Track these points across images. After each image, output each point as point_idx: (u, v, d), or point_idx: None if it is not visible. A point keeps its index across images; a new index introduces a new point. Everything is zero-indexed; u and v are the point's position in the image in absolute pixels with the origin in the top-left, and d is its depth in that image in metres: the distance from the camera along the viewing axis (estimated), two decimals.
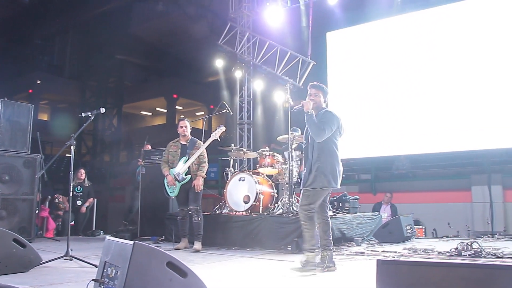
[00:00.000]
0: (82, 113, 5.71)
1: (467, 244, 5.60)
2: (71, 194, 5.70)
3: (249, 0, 12.08)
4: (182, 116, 7.84)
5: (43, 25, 23.39)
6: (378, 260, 2.49)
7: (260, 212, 7.07)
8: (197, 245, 6.44)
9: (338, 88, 11.20)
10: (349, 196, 8.34)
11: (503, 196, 10.58)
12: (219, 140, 6.89)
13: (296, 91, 10.44)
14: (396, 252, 5.91)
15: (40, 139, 8.56)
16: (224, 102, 8.31)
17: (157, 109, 29.62)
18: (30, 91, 24.96)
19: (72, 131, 5.70)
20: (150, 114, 30.96)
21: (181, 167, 6.62)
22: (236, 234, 6.84)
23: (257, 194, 7.05)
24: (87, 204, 9.92)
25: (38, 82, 24.83)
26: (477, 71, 9.45)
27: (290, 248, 6.20)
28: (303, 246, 4.77)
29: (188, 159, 6.63)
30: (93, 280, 3.03)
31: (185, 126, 6.88)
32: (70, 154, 5.45)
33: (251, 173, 7.40)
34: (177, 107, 28.38)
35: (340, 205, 8.30)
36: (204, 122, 8.40)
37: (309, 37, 10.99)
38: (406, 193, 11.22)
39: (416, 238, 8.24)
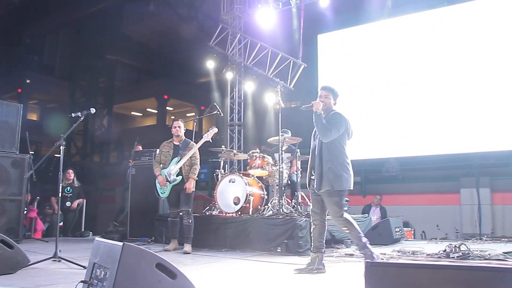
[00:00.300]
0: (72, 113, 5.65)
1: (455, 246, 5.65)
2: (60, 195, 5.65)
3: (241, 1, 12.09)
4: (172, 117, 7.82)
5: (33, 24, 23.26)
6: (366, 262, 2.51)
7: (250, 213, 7.07)
8: (187, 247, 6.41)
9: None
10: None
11: (491, 198, 10.68)
12: (211, 141, 6.87)
13: (287, 93, 10.49)
14: (385, 254, 5.94)
15: (29, 139, 8.50)
16: (215, 104, 8.31)
17: (148, 109, 29.54)
18: (19, 90, 24.78)
19: (61, 131, 5.63)
20: (141, 114, 30.87)
21: (172, 168, 6.59)
22: (226, 235, 6.83)
23: (247, 195, 7.05)
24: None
25: (28, 81, 24.67)
26: (466, 76, 9.55)
27: (280, 250, 6.21)
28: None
29: (179, 160, 6.60)
30: (81, 281, 3.01)
31: (179, 127, 6.83)
32: (59, 154, 5.41)
33: (241, 174, 7.39)
34: (167, 108, 28.33)
35: None
36: (195, 123, 8.39)
37: (300, 39, 11.01)
38: (396, 196, 11.30)
39: (405, 240, 8.29)
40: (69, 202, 9.66)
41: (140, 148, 9.33)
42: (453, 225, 10.73)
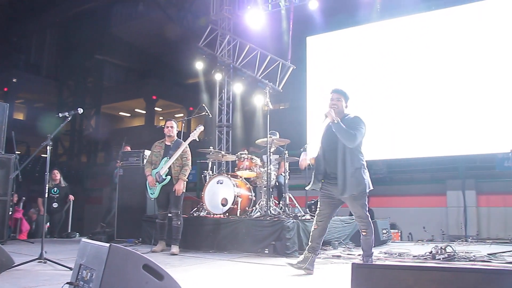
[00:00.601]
0: (59, 113, 5.60)
1: (441, 248, 5.71)
2: (46, 195, 5.60)
3: (230, 3, 12.10)
4: (161, 118, 7.79)
5: (20, 22, 23.00)
6: (353, 264, 2.52)
7: (238, 215, 7.07)
8: (175, 248, 6.39)
9: (317, 92, 11.29)
10: None
11: (476, 201, 10.80)
12: (197, 140, 6.84)
13: (275, 95, 10.51)
14: None
15: (15, 139, 8.41)
16: (204, 105, 8.29)
17: (136, 110, 29.39)
18: (6, 89, 24.47)
19: (48, 131, 5.58)
20: (129, 115, 30.71)
21: (162, 168, 6.56)
22: (213, 237, 6.82)
23: (235, 197, 7.05)
24: (71, 198, 9.77)
25: (14, 80, 24.38)
26: (453, 79, 9.64)
27: (267, 251, 6.21)
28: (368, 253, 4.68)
29: (168, 159, 6.57)
30: (67, 283, 2.99)
31: (171, 127, 6.76)
32: (46, 154, 5.36)
33: (229, 176, 7.39)
34: (156, 108, 28.21)
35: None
36: (183, 124, 8.37)
37: (289, 41, 11.06)
38: (383, 198, 11.36)
39: (392, 242, 8.35)
40: (55, 203, 9.57)
41: (128, 148, 9.29)
42: (439, 227, 10.83)
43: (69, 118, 5.58)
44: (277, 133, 8.27)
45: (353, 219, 8.16)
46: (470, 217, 10.71)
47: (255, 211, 7.23)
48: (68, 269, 4.53)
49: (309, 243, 4.68)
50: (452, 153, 9.87)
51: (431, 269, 2.39)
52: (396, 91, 10.16)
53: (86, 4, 20.78)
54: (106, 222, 9.57)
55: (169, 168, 6.53)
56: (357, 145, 4.57)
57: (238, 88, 12.19)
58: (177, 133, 6.92)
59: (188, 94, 22.94)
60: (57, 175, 9.80)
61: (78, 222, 12.52)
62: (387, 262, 5.52)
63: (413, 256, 5.87)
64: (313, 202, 8.54)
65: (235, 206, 7.08)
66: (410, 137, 9.88)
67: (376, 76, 10.38)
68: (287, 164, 7.73)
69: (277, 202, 7.68)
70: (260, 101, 11.89)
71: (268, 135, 7.08)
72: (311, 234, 4.70)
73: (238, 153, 7.93)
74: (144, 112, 28.23)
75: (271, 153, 7.36)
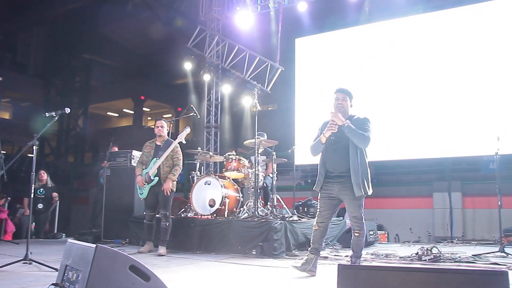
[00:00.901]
0: (46, 113, 5.55)
1: (427, 249, 5.76)
2: (32, 196, 5.55)
3: (219, 4, 12.09)
4: (149, 118, 7.75)
5: (6, 21, 22.75)
6: (339, 265, 2.53)
7: (226, 216, 7.06)
8: (162, 249, 6.36)
9: (305, 94, 11.34)
10: (314, 201, 8.44)
11: (462, 202, 10.91)
12: (184, 142, 6.81)
13: (263, 96, 10.53)
14: None
15: (0, 138, 8.31)
16: (192, 105, 8.27)
17: (124, 110, 29.27)
18: None
19: (35, 130, 5.54)
20: (117, 115, 30.57)
21: (150, 168, 6.53)
22: (201, 238, 6.81)
23: (222, 198, 7.04)
24: (54, 195, 9.68)
25: (0, 79, 24.12)
26: (440, 82, 9.72)
27: (254, 252, 6.21)
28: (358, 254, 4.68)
29: (157, 160, 6.53)
30: (53, 284, 2.97)
31: (161, 126, 6.69)
32: (33, 154, 5.32)
33: (217, 176, 7.38)
34: (144, 108, 28.13)
35: (305, 210, 8.40)
36: (171, 125, 8.35)
37: (278, 43, 11.09)
38: (370, 199, 11.36)
39: (379, 243, 8.41)
40: (40, 204, 9.47)
41: (116, 149, 9.24)
42: (425, 228, 10.93)
43: (56, 118, 5.53)
44: (265, 134, 8.29)
45: (340, 220, 8.22)
46: (456, 218, 10.83)
47: (242, 212, 7.23)
48: (54, 270, 4.50)
49: (311, 245, 4.65)
50: (438, 155, 9.95)
51: (416, 270, 2.41)
52: (383, 94, 10.22)
53: (74, 2, 20.62)
54: (94, 223, 9.50)
55: (158, 168, 6.50)
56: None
57: (226, 89, 12.19)
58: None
59: (177, 95, 22.90)
60: (44, 175, 9.71)
61: (64, 222, 12.44)
62: (373, 263, 5.55)
63: (400, 257, 5.91)
64: (300, 203, 8.58)
65: (223, 207, 7.08)
66: (397, 139, 9.95)
67: (364, 79, 10.43)
68: (275, 165, 7.75)
69: (264, 203, 7.69)
70: (248, 102, 11.91)
71: (256, 136, 7.09)
72: (312, 235, 4.68)
73: (226, 154, 7.93)
74: (132, 112, 28.13)
75: (259, 154, 7.37)
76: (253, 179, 7.19)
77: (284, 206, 8.09)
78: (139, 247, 6.76)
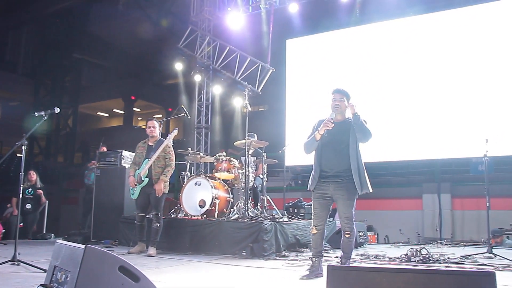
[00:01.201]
0: (36, 112, 5.51)
1: (416, 250, 5.79)
2: (20, 196, 5.50)
3: (211, 4, 12.08)
4: (139, 119, 7.72)
5: None
6: (328, 266, 2.54)
7: (216, 216, 7.05)
8: (152, 250, 6.34)
9: (296, 95, 11.36)
10: (304, 202, 8.46)
11: (451, 204, 10.98)
12: (172, 144, 6.76)
13: (254, 97, 10.54)
14: None
15: None
16: (182, 106, 8.25)
17: (114, 110, 29.12)
18: None
19: (24, 130, 5.50)
20: (107, 115, 30.41)
21: (142, 169, 6.49)
22: (191, 238, 6.79)
23: (213, 198, 7.03)
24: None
25: None
26: (429, 84, 9.78)
27: (244, 253, 6.21)
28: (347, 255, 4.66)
29: (149, 161, 6.50)
30: (41, 285, 2.95)
31: (153, 127, 6.64)
32: (21, 154, 5.27)
33: (207, 177, 7.37)
34: (134, 109, 28.00)
35: (295, 210, 8.41)
36: (162, 125, 8.32)
37: (269, 44, 11.09)
38: (360, 200, 11.41)
39: (368, 244, 8.43)
40: (29, 204, 9.38)
41: (105, 149, 9.17)
42: (415, 229, 10.98)
43: (46, 118, 5.49)
44: (255, 135, 8.28)
45: (330, 222, 8.23)
46: (445, 220, 10.90)
47: (233, 213, 7.23)
48: (42, 271, 4.46)
49: (313, 249, 4.65)
50: (428, 157, 10.01)
51: (405, 271, 2.43)
52: (374, 96, 10.26)
53: (65, 1, 20.50)
54: (84, 224, 9.43)
55: (150, 169, 6.47)
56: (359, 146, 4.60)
57: (217, 89, 12.18)
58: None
59: (167, 95, 22.83)
60: (33, 175, 9.63)
61: (53, 223, 12.32)
62: (363, 264, 5.57)
63: (389, 258, 5.94)
64: (290, 204, 8.59)
65: (213, 207, 7.07)
66: (387, 141, 9.98)
67: (354, 80, 10.46)
68: (265, 166, 7.75)
69: (254, 204, 7.69)
70: (239, 103, 11.90)
71: (246, 137, 7.09)
72: (312, 239, 4.65)
73: (217, 154, 7.92)
74: (123, 112, 27.99)
75: (249, 155, 7.37)
76: (243, 180, 7.19)
77: (274, 207, 8.09)
78: (129, 248, 6.74)
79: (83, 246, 2.70)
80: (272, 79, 11.23)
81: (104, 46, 23.91)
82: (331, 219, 8.84)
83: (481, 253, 6.18)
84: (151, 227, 6.50)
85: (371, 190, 4.54)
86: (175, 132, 6.77)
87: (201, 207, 7.09)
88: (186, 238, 6.85)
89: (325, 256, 6.21)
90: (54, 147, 23.12)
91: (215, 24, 12.32)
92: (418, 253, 5.73)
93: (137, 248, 6.58)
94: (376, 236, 9.93)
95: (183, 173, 8.14)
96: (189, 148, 8.29)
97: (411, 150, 9.87)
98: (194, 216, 7.19)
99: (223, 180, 7.67)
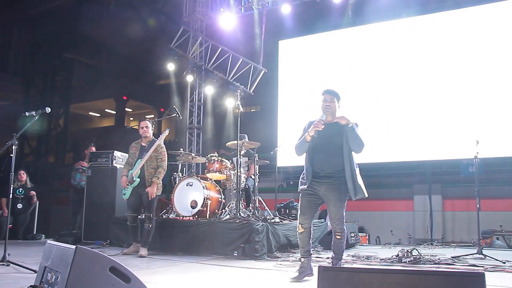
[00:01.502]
0: (26, 112, 5.47)
1: (407, 251, 5.81)
2: (11, 196, 5.46)
3: (203, 5, 12.07)
4: (131, 119, 7.69)
5: None
6: (319, 267, 2.55)
7: (207, 217, 7.04)
8: (143, 251, 6.31)
9: (288, 96, 11.37)
10: (296, 203, 8.46)
11: (442, 205, 11.05)
12: (162, 147, 6.70)
13: (246, 98, 10.54)
14: None
15: None
16: (174, 106, 8.23)
17: (106, 110, 29.01)
18: None
19: (14, 130, 5.47)
20: (99, 115, 30.29)
21: (135, 169, 6.46)
22: (182, 239, 6.78)
23: (204, 199, 7.02)
24: (32, 193, 9.55)
25: None
26: (420, 86, 9.83)
27: (236, 254, 6.21)
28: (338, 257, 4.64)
29: (141, 161, 6.47)
30: (31, 286, 2.93)
31: (146, 127, 6.60)
32: (12, 154, 5.24)
33: (199, 178, 7.36)
34: (126, 109, 27.92)
35: (287, 211, 8.42)
36: (153, 125, 8.29)
37: (262, 45, 11.10)
38: (351, 201, 11.49)
39: (360, 245, 8.45)
40: (20, 204, 9.34)
41: (94, 149, 9.11)
42: (406, 230, 11.04)
43: (36, 117, 5.46)
44: (246, 135, 8.28)
45: (322, 222, 8.25)
46: (436, 221, 10.96)
47: (224, 213, 7.23)
48: (33, 272, 4.43)
49: (301, 249, 4.57)
50: (419, 158, 10.06)
51: (396, 272, 2.44)
52: (365, 97, 10.30)
53: (56, 1, 20.39)
54: (76, 226, 9.36)
55: (142, 169, 6.44)
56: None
57: (209, 90, 12.17)
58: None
59: (159, 95, 22.81)
60: (24, 176, 9.59)
61: (44, 223, 12.25)
62: (354, 265, 5.58)
63: (380, 259, 5.96)
64: (282, 205, 8.60)
65: (205, 208, 7.06)
66: (379, 142, 10.01)
67: (346, 82, 10.49)
68: (257, 167, 7.75)
69: (245, 204, 7.68)
70: (231, 103, 11.90)
71: (238, 138, 7.09)
72: (299, 238, 4.57)
73: (208, 155, 7.92)
74: (114, 112, 27.89)
75: (241, 156, 7.36)
76: (235, 181, 7.19)
77: (266, 207, 8.10)
78: (120, 249, 6.71)
79: (73, 246, 2.68)
80: (265, 80, 11.24)
81: (95, 45, 23.81)
82: (322, 220, 8.87)
83: (471, 254, 6.21)
84: (143, 228, 6.47)
85: (366, 195, 4.51)
86: (167, 132, 6.74)
87: (193, 207, 7.08)
88: (177, 239, 6.84)
89: (316, 257, 6.25)
90: (45, 147, 22.96)
91: (207, 25, 12.31)
92: (409, 254, 5.75)
93: (131, 249, 6.54)
94: (367, 237, 9.97)
95: (175, 173, 8.12)
96: (181, 149, 8.27)
97: (402, 152, 9.92)
98: (185, 216, 7.17)
99: (215, 180, 7.67)
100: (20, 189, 9.40)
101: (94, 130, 27.28)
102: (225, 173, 7.61)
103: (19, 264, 4.86)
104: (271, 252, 6.37)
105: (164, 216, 7.78)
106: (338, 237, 4.52)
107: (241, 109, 7.02)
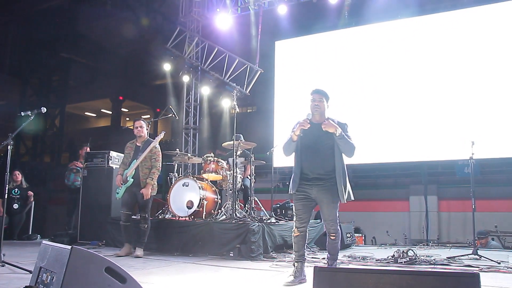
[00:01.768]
0: (22, 112, 5.44)
1: (403, 251, 5.83)
2: (6, 197, 5.44)
3: (200, 5, 12.05)
4: (127, 119, 7.67)
5: None
6: (315, 267, 2.55)
7: (203, 218, 7.04)
8: (139, 251, 6.30)
9: (284, 97, 11.38)
10: (292, 204, 8.43)
11: (438, 206, 11.07)
12: (157, 146, 6.68)
13: (243, 98, 10.53)
14: None
15: None
16: (170, 106, 8.23)
17: (102, 110, 28.94)
18: None
19: (10, 130, 5.46)
20: (95, 115, 30.21)
21: (129, 169, 6.44)
22: (178, 239, 6.78)
23: (200, 199, 7.02)
24: (30, 194, 9.53)
25: None
26: (417, 87, 9.85)
27: (232, 254, 6.21)
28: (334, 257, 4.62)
29: (136, 161, 6.44)
30: (26, 286, 2.92)
31: (141, 127, 6.56)
32: (7, 154, 5.22)
33: (195, 178, 7.36)
34: (122, 109, 27.85)
35: (283, 212, 8.42)
36: (149, 126, 8.28)
37: (258, 45, 11.10)
38: (348, 202, 11.49)
39: (356, 246, 8.47)
40: (16, 204, 9.32)
41: (88, 149, 9.08)
42: (402, 231, 11.06)
43: (32, 117, 5.43)
44: (241, 136, 8.27)
45: (318, 223, 8.25)
46: (432, 221, 10.99)
47: (220, 214, 7.23)
48: (28, 272, 4.42)
49: (295, 253, 4.52)
50: (415, 159, 10.08)
51: (391, 273, 2.45)
52: (362, 97, 10.32)
53: (52, 0, 20.35)
54: (71, 227, 9.34)
55: (137, 170, 6.42)
56: None
57: (205, 90, 12.15)
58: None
59: (155, 95, 22.74)
60: (19, 176, 9.56)
61: (39, 223, 12.20)
62: (350, 266, 5.59)
63: (376, 260, 5.97)
64: (278, 205, 8.60)
65: (201, 208, 7.06)
66: (375, 142, 10.04)
67: (342, 82, 10.52)
68: (253, 167, 7.75)
69: (242, 205, 7.69)
70: (227, 104, 11.89)
71: (234, 138, 7.09)
72: (294, 242, 4.52)
73: (205, 155, 7.91)
74: (110, 112, 27.82)
75: (237, 156, 7.36)
76: (231, 181, 7.19)
77: (262, 208, 8.10)
78: (116, 249, 6.69)
79: (69, 247, 2.68)
80: (261, 80, 11.24)
81: (92, 45, 23.76)
82: (318, 220, 8.87)
83: (467, 255, 6.23)
84: (139, 228, 6.45)
85: (352, 198, 4.48)
86: (161, 135, 6.68)
87: (189, 208, 7.08)
88: (173, 239, 6.83)
89: (312, 257, 6.26)
90: (41, 147, 22.90)
91: (203, 25, 12.30)
92: (405, 254, 5.77)
93: (124, 250, 6.46)
94: (363, 238, 9.98)
95: (171, 174, 8.12)
96: (177, 149, 8.26)
97: (398, 152, 9.94)
98: (181, 217, 7.17)
99: (211, 181, 7.66)
100: (16, 189, 9.38)
101: (90, 130, 27.21)
102: (221, 173, 7.61)
103: (14, 264, 4.84)
104: (267, 253, 6.37)
105: (160, 217, 7.76)
106: (332, 237, 4.50)
107: (237, 110, 7.03)
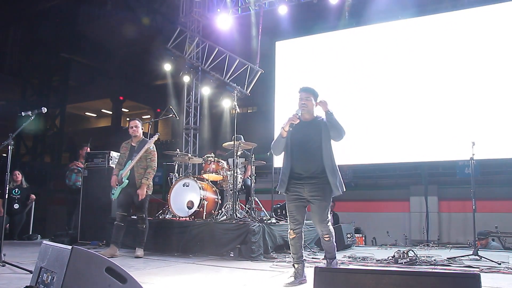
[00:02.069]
0: (22, 112, 5.44)
1: (404, 252, 5.82)
2: (6, 197, 5.44)
3: (200, 5, 12.05)
4: (128, 119, 7.66)
5: None
6: (315, 268, 2.55)
7: (204, 218, 7.04)
8: (139, 251, 6.30)
9: (285, 97, 11.36)
10: None
11: (438, 206, 11.07)
12: (152, 148, 6.66)
13: (243, 98, 10.53)
14: None
15: None
16: (171, 107, 8.22)
17: (103, 110, 28.96)
18: None
19: (10, 130, 5.45)
20: (95, 115, 30.23)
21: (125, 170, 6.44)
22: (178, 240, 6.77)
23: (201, 200, 7.02)
24: (32, 198, 9.54)
25: None
26: (417, 87, 9.83)
27: (232, 255, 6.21)
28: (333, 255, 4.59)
29: (131, 162, 6.43)
30: (26, 287, 2.92)
31: (136, 126, 6.54)
32: (7, 154, 5.22)
33: (195, 178, 7.36)
34: (123, 109, 27.87)
35: (284, 212, 8.41)
36: (150, 126, 8.29)
37: (258, 45, 11.10)
38: (348, 202, 11.53)
39: (356, 246, 8.46)
40: (16, 205, 9.33)
41: (88, 149, 9.09)
42: (402, 231, 11.06)
43: (33, 117, 5.43)
44: (242, 136, 8.26)
45: None
46: (432, 222, 10.98)
47: (221, 214, 7.22)
48: (28, 272, 4.42)
49: (293, 255, 4.47)
50: (415, 160, 10.06)
51: (392, 273, 2.45)
52: (362, 98, 10.30)
53: (53, 0, 20.36)
54: (72, 227, 9.34)
55: (132, 170, 6.40)
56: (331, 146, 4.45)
57: (206, 91, 12.15)
58: (144, 135, 6.75)
59: (156, 96, 22.77)
60: (19, 176, 9.57)
61: (40, 223, 12.22)
62: (350, 266, 5.59)
63: (376, 260, 5.96)
64: (279, 206, 8.59)
65: (201, 209, 7.06)
66: (375, 143, 10.03)
67: (342, 83, 10.51)
68: (253, 168, 7.75)
69: (243, 205, 7.69)
70: (227, 104, 11.89)
71: (234, 139, 7.09)
72: (291, 244, 4.48)
73: (205, 156, 7.91)
74: (111, 112, 27.84)
75: (238, 157, 7.36)
76: (232, 181, 7.19)
77: (263, 208, 8.09)
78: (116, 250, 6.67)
79: (69, 247, 2.68)
80: (261, 80, 11.24)
81: (92, 46, 23.78)
82: None
83: (467, 255, 6.22)
84: (137, 229, 6.45)
85: (344, 189, 4.41)
86: (156, 137, 6.63)
87: (189, 208, 7.08)
88: (174, 239, 6.83)
89: (313, 258, 6.26)
90: (41, 147, 22.92)
91: (204, 25, 12.29)
92: (405, 255, 5.76)
93: (108, 251, 6.27)
94: (363, 238, 9.97)
95: (171, 174, 8.12)
96: (178, 149, 8.26)
97: (399, 153, 9.92)
98: (182, 217, 7.17)
99: (211, 181, 7.66)
100: (16, 189, 9.38)
101: (90, 130, 27.22)
102: (221, 173, 7.60)
103: (14, 264, 4.84)
104: (268, 253, 6.36)
105: (160, 217, 7.76)
106: (326, 239, 4.47)
107: (238, 110, 7.02)
